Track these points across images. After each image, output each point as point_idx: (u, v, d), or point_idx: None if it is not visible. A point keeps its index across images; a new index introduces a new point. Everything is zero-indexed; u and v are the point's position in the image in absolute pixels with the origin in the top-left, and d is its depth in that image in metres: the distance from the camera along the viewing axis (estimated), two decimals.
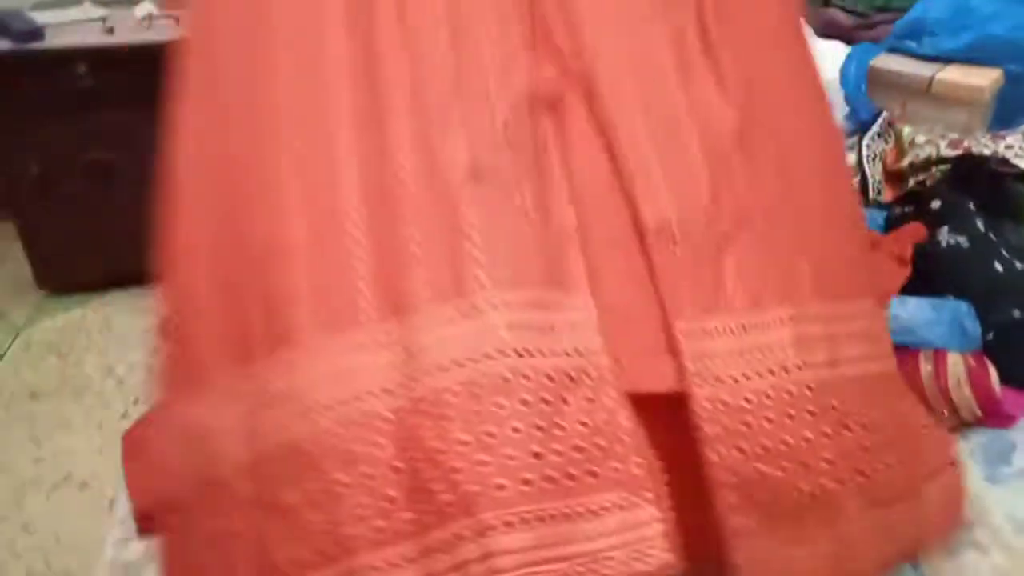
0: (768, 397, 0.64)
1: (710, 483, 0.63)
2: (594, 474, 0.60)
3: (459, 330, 0.61)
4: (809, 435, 0.65)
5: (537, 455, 0.59)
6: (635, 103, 0.72)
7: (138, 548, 0.87)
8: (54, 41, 1.90)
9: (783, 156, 0.76)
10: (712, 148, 0.72)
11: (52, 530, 1.55)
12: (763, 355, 0.66)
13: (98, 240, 2.15)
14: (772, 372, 0.65)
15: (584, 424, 0.61)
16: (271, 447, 0.63)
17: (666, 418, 0.65)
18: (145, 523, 0.88)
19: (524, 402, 0.60)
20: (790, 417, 0.64)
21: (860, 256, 0.80)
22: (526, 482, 0.58)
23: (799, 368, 0.66)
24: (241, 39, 0.75)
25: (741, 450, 0.63)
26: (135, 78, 1.99)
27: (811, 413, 0.65)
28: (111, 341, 2.06)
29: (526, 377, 0.60)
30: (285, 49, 0.72)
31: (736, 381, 0.65)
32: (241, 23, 0.75)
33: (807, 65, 0.83)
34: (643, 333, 0.66)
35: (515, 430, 0.59)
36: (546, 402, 0.60)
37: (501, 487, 0.58)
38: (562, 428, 0.60)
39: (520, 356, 0.60)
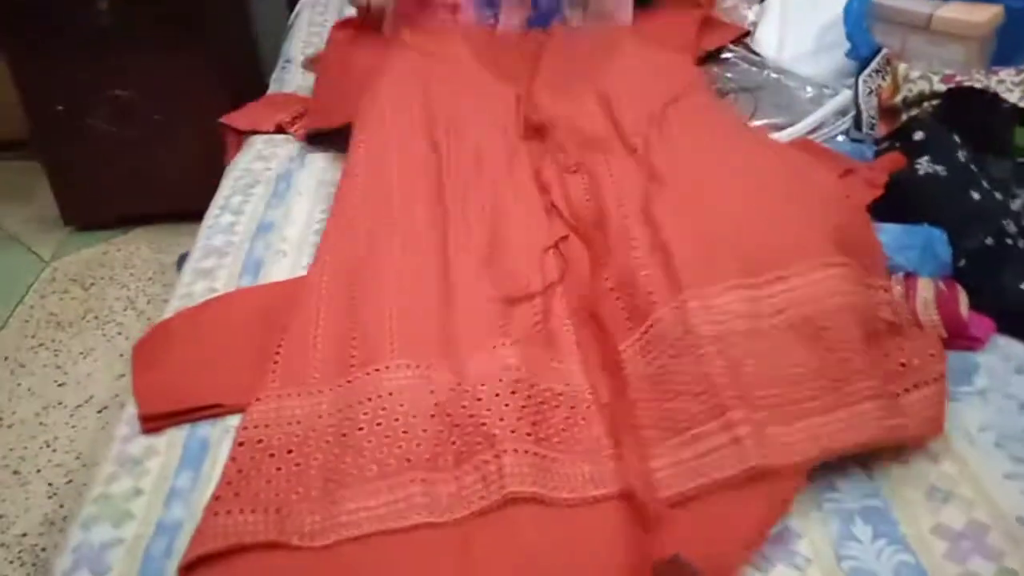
0: (677, 353, 0.90)
1: (636, 426, 0.89)
2: (573, 442, 0.90)
3: (487, 360, 0.93)
4: (688, 379, 0.88)
5: (534, 426, 0.89)
6: (606, 239, 1.09)
7: (141, 443, 0.94)
8: None
9: (708, 207, 1.04)
10: (652, 223, 1.05)
11: (74, 448, 1.64)
12: (653, 346, 0.94)
13: (121, 178, 2.21)
14: (684, 334, 0.91)
15: (567, 418, 0.91)
16: (357, 410, 0.91)
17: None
18: (148, 424, 0.96)
19: (524, 404, 0.90)
20: (696, 362, 0.88)
21: (793, 236, 0.97)
22: (527, 435, 0.87)
23: (704, 324, 0.90)
24: (372, 225, 1.18)
25: (652, 405, 0.90)
26: (155, 15, 2.04)
27: (712, 356, 0.88)
28: (132, 275, 2.14)
29: (531, 385, 0.91)
30: (400, 215, 1.17)
31: (648, 364, 0.93)
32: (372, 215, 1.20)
33: (727, 138, 1.20)
34: (608, 366, 0.97)
35: (519, 416, 0.89)
36: (539, 404, 0.91)
37: (511, 432, 0.87)
38: (549, 423, 0.90)
39: (527, 371, 0.92)
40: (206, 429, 0.95)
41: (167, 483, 0.89)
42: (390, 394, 0.92)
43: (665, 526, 0.79)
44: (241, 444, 0.90)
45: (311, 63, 1.75)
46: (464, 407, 0.90)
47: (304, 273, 1.16)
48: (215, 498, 0.84)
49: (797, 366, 0.88)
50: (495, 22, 1.54)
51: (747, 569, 0.78)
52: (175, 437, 0.94)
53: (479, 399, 0.89)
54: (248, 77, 2.27)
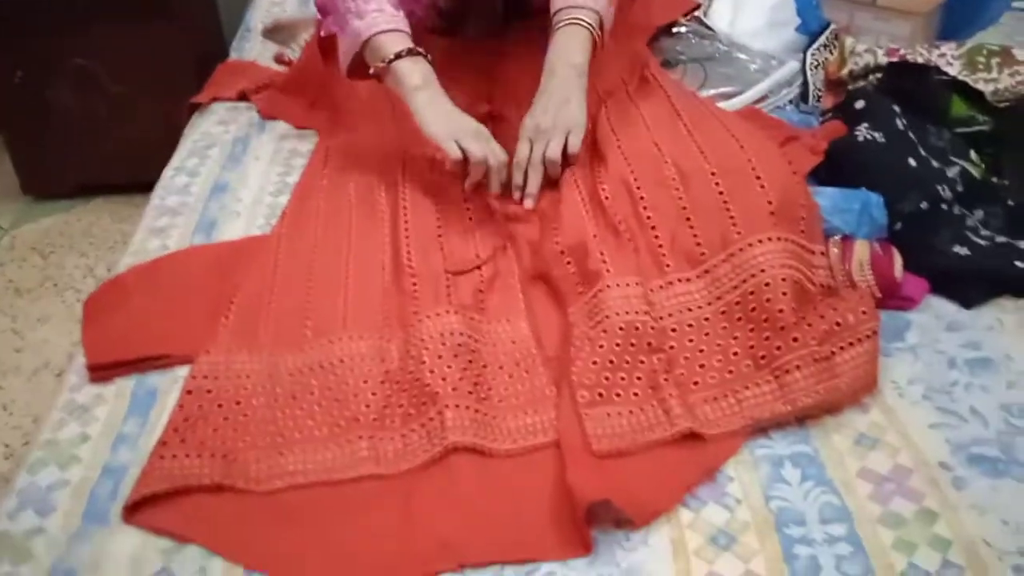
0: (604, 333, 0.94)
1: (573, 388, 0.91)
2: (516, 396, 0.93)
3: (431, 326, 0.95)
4: (628, 359, 0.92)
5: (476, 386, 0.91)
6: (557, 202, 1.12)
7: (90, 392, 0.95)
8: None
9: (651, 190, 1.07)
10: (599, 204, 1.09)
11: (30, 412, 1.64)
12: (600, 311, 0.96)
13: (82, 148, 2.20)
14: (605, 318, 0.95)
15: (511, 376, 0.95)
16: (308, 376, 0.94)
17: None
18: (96, 374, 0.97)
19: (469, 362, 0.93)
20: (618, 344, 0.93)
21: (735, 215, 1.01)
22: (469, 393, 0.90)
23: (618, 315, 0.94)
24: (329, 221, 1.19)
25: (590, 366, 0.92)
26: None
27: (651, 349, 0.93)
28: (92, 244, 2.13)
29: (473, 350, 0.94)
30: (358, 217, 1.18)
31: (592, 328, 0.95)
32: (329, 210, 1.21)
33: (672, 117, 1.19)
34: (557, 323, 1.02)
35: (461, 376, 0.91)
36: (481, 368, 0.94)
37: (452, 390, 0.89)
38: (490, 384, 0.93)
39: (469, 337, 0.95)
40: (155, 379, 0.96)
41: (114, 429, 0.90)
42: (341, 361, 0.95)
43: (595, 474, 0.82)
44: (189, 392, 0.91)
45: (270, 32, 1.75)
46: (411, 372, 0.92)
47: (258, 233, 1.18)
48: (161, 443, 0.86)
49: (731, 349, 0.94)
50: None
51: (679, 508, 0.81)
52: (123, 386, 0.95)
53: (423, 362, 0.92)
54: (211, 47, 2.25)
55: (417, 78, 1.14)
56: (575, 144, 1.12)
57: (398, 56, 1.14)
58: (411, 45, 1.16)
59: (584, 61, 1.15)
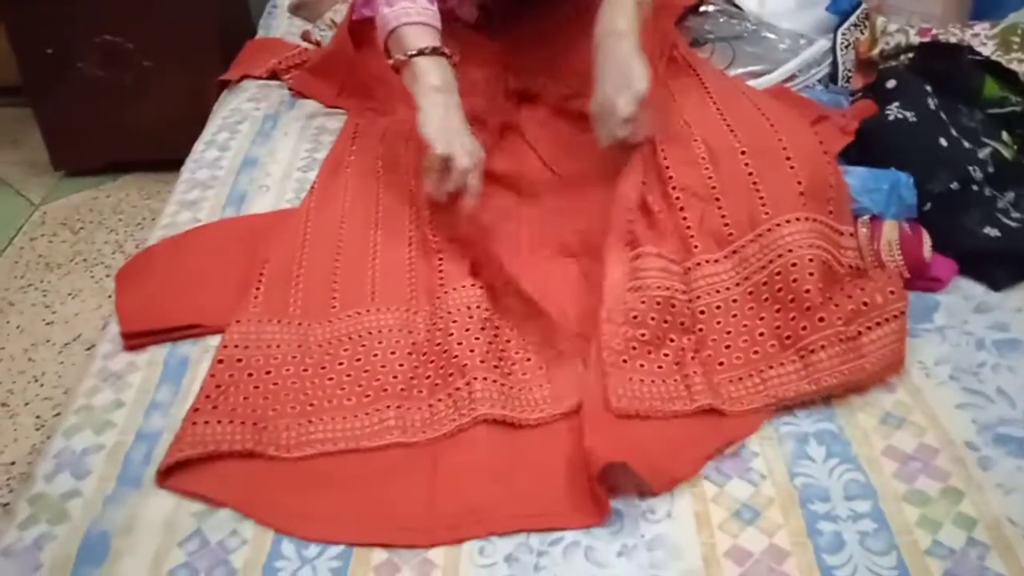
0: (642, 304, 0.94)
1: (602, 354, 0.91)
2: (539, 367, 0.94)
3: (461, 297, 0.98)
4: (659, 335, 0.94)
5: (501, 360, 0.93)
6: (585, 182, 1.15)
7: (123, 359, 0.97)
8: None
9: (681, 170, 1.06)
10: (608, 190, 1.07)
11: (61, 383, 1.67)
12: (641, 272, 0.97)
13: (112, 124, 2.21)
14: (645, 286, 0.95)
15: (526, 349, 0.96)
16: (337, 347, 0.96)
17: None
18: (129, 342, 0.98)
19: (494, 335, 0.95)
20: (653, 318, 0.94)
21: (765, 195, 1.00)
22: (495, 367, 0.92)
23: (659, 288, 0.95)
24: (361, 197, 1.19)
25: (619, 330, 0.93)
26: None
27: (666, 321, 0.94)
28: (122, 220, 2.15)
29: (495, 329, 0.96)
30: (385, 194, 1.18)
31: (629, 291, 0.96)
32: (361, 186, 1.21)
33: (701, 95, 1.18)
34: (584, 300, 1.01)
35: (486, 350, 0.93)
36: (506, 343, 0.96)
37: (480, 362, 0.91)
38: (514, 359, 0.94)
39: (493, 312, 0.97)
40: (186, 347, 0.97)
41: (147, 396, 0.92)
42: (370, 333, 0.97)
43: (613, 438, 0.83)
44: (220, 362, 0.93)
45: (296, 8, 1.76)
46: (438, 344, 0.94)
47: (287, 207, 1.19)
48: (193, 410, 0.88)
49: (757, 329, 0.94)
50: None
51: (704, 483, 0.82)
52: (156, 354, 0.97)
53: (451, 334, 0.94)
54: (237, 23, 2.26)
55: (436, 79, 1.08)
56: (633, 99, 1.03)
57: (421, 52, 1.08)
58: (437, 44, 1.10)
59: (628, 25, 1.08)
